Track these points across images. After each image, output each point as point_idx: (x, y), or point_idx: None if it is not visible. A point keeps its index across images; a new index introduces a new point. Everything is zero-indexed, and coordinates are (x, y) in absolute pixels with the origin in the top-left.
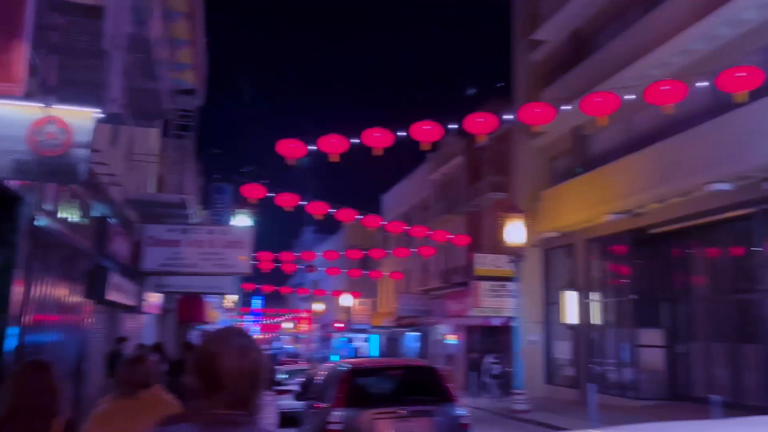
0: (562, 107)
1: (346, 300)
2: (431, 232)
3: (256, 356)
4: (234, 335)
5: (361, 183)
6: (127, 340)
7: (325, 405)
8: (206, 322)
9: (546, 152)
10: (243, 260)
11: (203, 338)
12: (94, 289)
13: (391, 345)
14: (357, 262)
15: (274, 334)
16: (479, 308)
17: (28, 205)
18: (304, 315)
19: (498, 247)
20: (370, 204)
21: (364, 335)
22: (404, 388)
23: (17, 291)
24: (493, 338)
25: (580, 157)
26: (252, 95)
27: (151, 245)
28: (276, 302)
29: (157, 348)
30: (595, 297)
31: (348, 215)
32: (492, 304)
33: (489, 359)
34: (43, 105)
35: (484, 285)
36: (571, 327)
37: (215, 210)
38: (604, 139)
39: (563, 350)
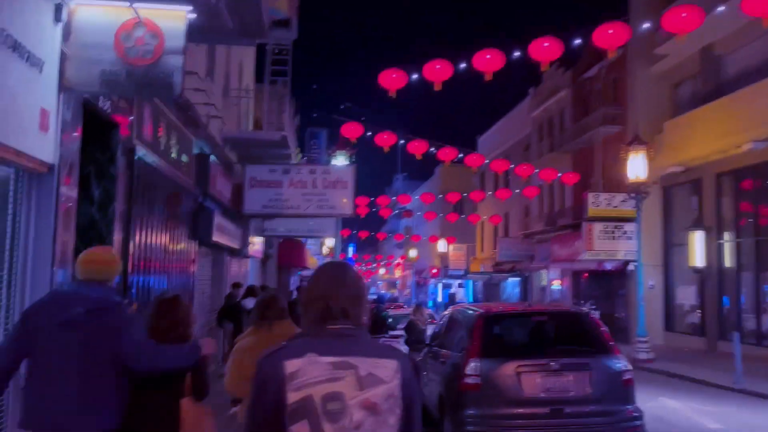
0: (718, 9)
1: (442, 245)
2: (537, 171)
3: (354, 280)
4: (334, 264)
5: (456, 127)
6: (242, 286)
7: (455, 354)
8: (306, 267)
9: (668, 78)
10: (345, 202)
11: (315, 270)
12: (200, 231)
13: (489, 291)
14: (452, 208)
15: (368, 281)
16: (592, 251)
17: (127, 136)
18: (399, 261)
19: (611, 185)
20: (466, 146)
21: (459, 281)
22: (551, 337)
23: (118, 228)
24: (603, 283)
25: (711, 81)
26: (346, 26)
27: (253, 186)
28: (368, 249)
29: (264, 290)
30: (727, 237)
31: (449, 154)
32: (606, 246)
33: (587, 305)
34: (129, 4)
35: (598, 226)
36: (698, 270)
37: (311, 155)
38: (742, 59)
39: (687, 295)
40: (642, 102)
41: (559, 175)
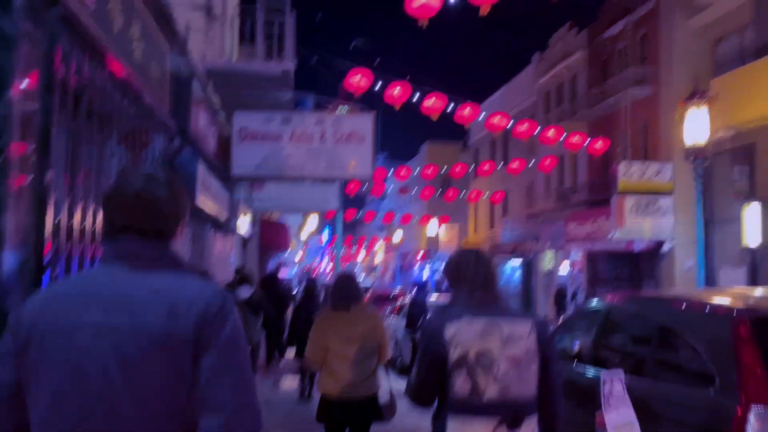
0: None
1: (433, 226)
2: (565, 136)
3: (489, 261)
4: (471, 250)
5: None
6: (244, 269)
7: (675, 388)
8: (287, 250)
9: (708, 33)
10: (363, 160)
11: (454, 253)
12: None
13: None
14: (440, 186)
15: (346, 266)
16: (624, 229)
17: None
18: (381, 244)
19: (637, 155)
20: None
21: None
22: None
23: (17, 164)
24: (626, 266)
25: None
26: None
27: (245, 140)
28: (345, 232)
29: (271, 279)
30: None
31: (471, 114)
32: (639, 224)
33: (575, 287)
34: None
35: (630, 201)
36: (752, 250)
37: None
38: None
39: (733, 279)
40: (680, 59)
41: (587, 141)
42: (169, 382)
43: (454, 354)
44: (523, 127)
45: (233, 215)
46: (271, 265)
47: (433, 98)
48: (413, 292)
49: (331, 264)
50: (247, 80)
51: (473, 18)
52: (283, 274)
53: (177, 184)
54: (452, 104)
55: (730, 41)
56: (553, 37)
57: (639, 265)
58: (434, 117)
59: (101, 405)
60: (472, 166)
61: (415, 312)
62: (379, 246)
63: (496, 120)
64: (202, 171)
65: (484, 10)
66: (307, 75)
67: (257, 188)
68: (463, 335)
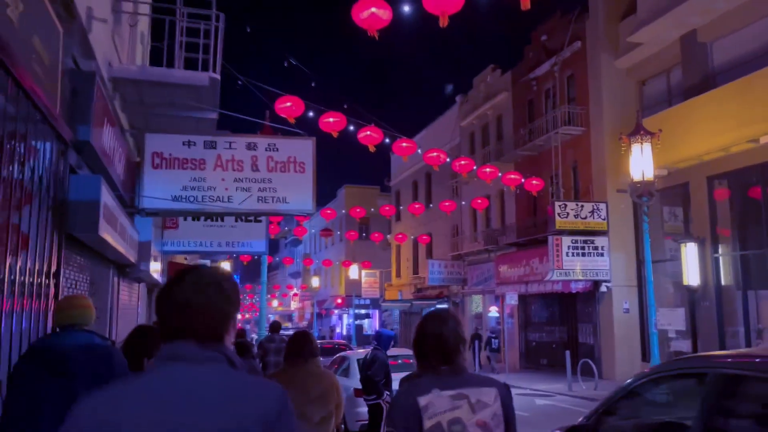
0: None
1: (354, 271)
2: (501, 176)
3: (455, 330)
4: (439, 318)
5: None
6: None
7: None
8: None
9: (635, 74)
10: (303, 192)
11: (421, 320)
12: (73, 214)
13: (409, 321)
14: (358, 230)
15: (257, 314)
16: (561, 270)
17: None
18: (297, 291)
19: (569, 195)
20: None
21: (367, 310)
22: None
23: None
24: (560, 308)
25: (697, 72)
26: None
27: (159, 167)
28: (256, 279)
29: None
30: (724, 250)
31: (407, 148)
32: (575, 264)
33: (488, 333)
34: None
35: (566, 241)
36: (692, 289)
37: None
38: (734, 46)
39: (672, 320)
40: (609, 100)
41: (523, 181)
42: None
43: (428, 425)
44: (461, 164)
45: (143, 259)
46: None
47: (369, 131)
48: (371, 347)
49: (244, 314)
50: (163, 94)
51: (402, 54)
52: None
53: (227, 282)
54: (386, 139)
55: (657, 82)
56: (477, 79)
57: (575, 306)
58: (371, 149)
59: None
60: (399, 209)
61: (374, 373)
62: (293, 293)
63: (433, 155)
64: (107, 199)
65: (443, 21)
66: (229, 103)
67: (170, 226)
68: (436, 407)
